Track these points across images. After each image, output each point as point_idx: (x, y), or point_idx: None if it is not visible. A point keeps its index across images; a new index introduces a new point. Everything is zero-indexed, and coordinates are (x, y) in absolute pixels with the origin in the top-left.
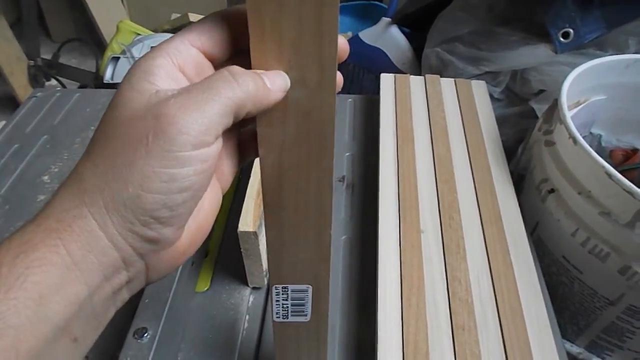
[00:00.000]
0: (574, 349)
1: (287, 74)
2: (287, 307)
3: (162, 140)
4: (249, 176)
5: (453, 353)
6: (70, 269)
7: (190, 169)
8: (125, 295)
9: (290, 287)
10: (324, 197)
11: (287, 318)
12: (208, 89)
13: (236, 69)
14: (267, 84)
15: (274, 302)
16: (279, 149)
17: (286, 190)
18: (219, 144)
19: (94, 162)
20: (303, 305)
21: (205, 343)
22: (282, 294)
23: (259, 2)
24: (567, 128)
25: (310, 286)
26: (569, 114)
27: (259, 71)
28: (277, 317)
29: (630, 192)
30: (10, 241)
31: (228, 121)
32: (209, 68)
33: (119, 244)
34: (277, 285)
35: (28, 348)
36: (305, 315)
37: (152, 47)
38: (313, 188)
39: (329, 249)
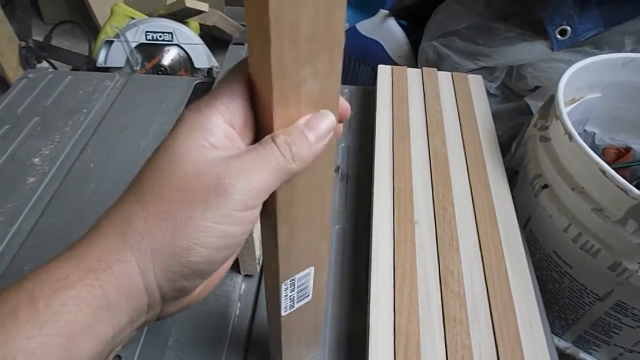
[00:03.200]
0: (562, 344)
1: (305, 69)
2: (294, 297)
3: (221, 199)
4: None
5: (444, 344)
6: (103, 309)
7: (239, 228)
8: (132, 334)
9: (297, 276)
10: (327, 179)
11: (293, 307)
12: (265, 157)
13: (291, 138)
14: (313, 140)
15: (282, 298)
16: None
17: (298, 184)
18: (259, 209)
19: (146, 209)
20: (306, 288)
21: (196, 329)
22: (290, 287)
23: (280, 4)
24: (563, 124)
25: (312, 267)
26: (565, 112)
27: (305, 121)
28: (284, 311)
29: (623, 189)
30: (48, 273)
31: (277, 187)
32: (253, 119)
33: (152, 291)
34: (286, 281)
35: None
36: (308, 296)
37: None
38: (319, 173)
39: (329, 228)
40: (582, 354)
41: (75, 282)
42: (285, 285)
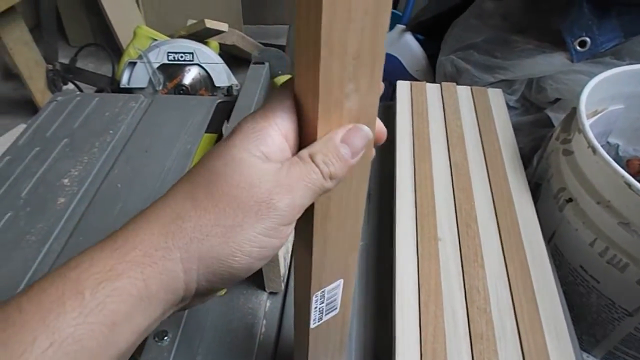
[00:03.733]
0: None
1: (349, 85)
2: (322, 309)
3: (271, 213)
4: None
5: None
6: (143, 300)
7: (279, 241)
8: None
9: (327, 289)
10: (362, 192)
11: (322, 320)
12: (306, 176)
13: (329, 157)
14: (348, 155)
15: (312, 310)
16: None
17: (334, 199)
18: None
19: (199, 213)
20: (335, 300)
21: (223, 347)
22: (320, 299)
23: (331, 15)
24: (586, 137)
25: (342, 279)
26: (587, 125)
27: (342, 137)
28: (313, 324)
29: None
30: (91, 264)
31: (312, 202)
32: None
33: (190, 287)
34: (317, 293)
35: None
36: (336, 309)
37: (256, 110)
38: (354, 186)
39: (359, 238)
40: None
41: (120, 275)
42: (316, 297)
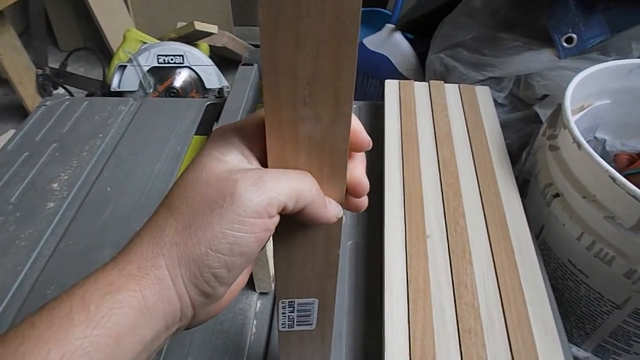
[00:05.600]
0: (581, 353)
1: (300, 110)
2: (293, 318)
3: (235, 204)
4: None
5: (460, 357)
6: (144, 313)
7: (253, 236)
8: (167, 340)
9: (297, 301)
10: (334, 223)
11: (293, 327)
12: (285, 173)
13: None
14: (326, 202)
15: (280, 315)
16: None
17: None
18: (276, 219)
19: (175, 218)
20: (309, 316)
21: (213, 348)
22: (289, 308)
23: (274, 37)
24: (572, 133)
25: (316, 299)
26: (573, 119)
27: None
28: (282, 327)
29: (634, 196)
30: (95, 281)
31: (288, 204)
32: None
33: (182, 295)
34: (283, 300)
35: None
36: (311, 324)
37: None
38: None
39: (337, 268)
40: None
41: (120, 288)
42: (283, 303)
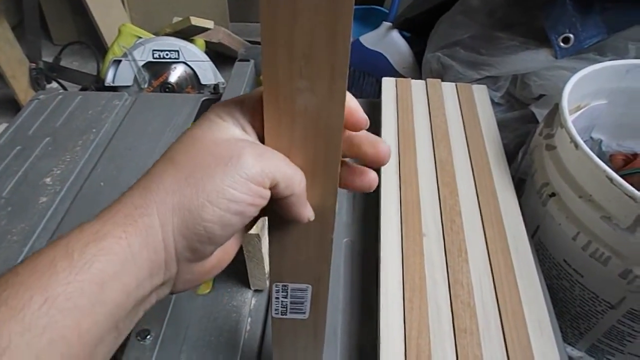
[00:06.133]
0: (575, 353)
1: (297, 81)
2: (287, 304)
3: (239, 165)
4: None
5: (455, 356)
6: (128, 260)
7: (249, 197)
8: (153, 300)
9: (290, 285)
10: (327, 203)
11: (286, 315)
12: (284, 158)
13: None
14: (306, 202)
15: (273, 299)
16: (286, 153)
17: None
18: (268, 193)
19: (176, 167)
20: (302, 303)
21: (207, 345)
22: (282, 292)
23: (273, 8)
24: (569, 132)
25: (310, 286)
26: (570, 119)
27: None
28: (275, 313)
29: (631, 197)
30: (81, 230)
31: (280, 183)
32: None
33: (168, 245)
34: (277, 283)
35: (87, 328)
36: (304, 312)
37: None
38: (317, 193)
39: (330, 252)
40: None
41: (105, 235)
42: (277, 287)
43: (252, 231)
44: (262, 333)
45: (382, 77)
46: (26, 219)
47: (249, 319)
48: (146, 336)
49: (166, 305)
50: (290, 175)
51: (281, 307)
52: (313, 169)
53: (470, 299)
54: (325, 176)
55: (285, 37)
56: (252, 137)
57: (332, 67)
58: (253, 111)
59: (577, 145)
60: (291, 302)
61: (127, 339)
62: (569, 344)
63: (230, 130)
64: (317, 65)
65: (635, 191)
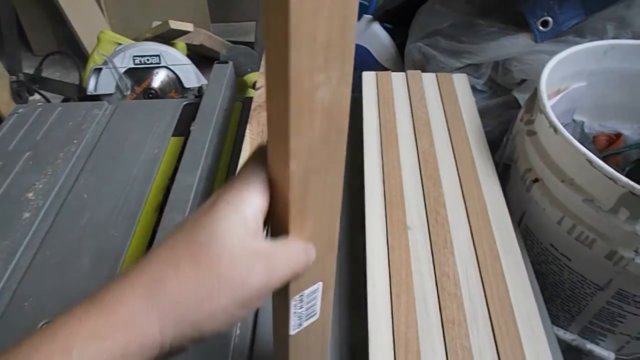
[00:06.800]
0: (567, 336)
1: (320, 75)
2: (302, 314)
3: (247, 287)
4: None
5: (444, 348)
6: (123, 357)
7: (250, 312)
8: None
9: (306, 292)
10: (338, 190)
11: (301, 326)
12: (290, 258)
13: (309, 250)
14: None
15: (292, 315)
16: (307, 154)
17: (310, 195)
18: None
19: (180, 279)
20: (315, 305)
21: (196, 351)
22: (299, 304)
23: (300, 8)
24: (547, 117)
25: (321, 282)
26: (548, 103)
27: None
28: (293, 330)
29: (611, 178)
30: (80, 325)
31: (285, 282)
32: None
33: (164, 346)
34: (295, 297)
35: None
36: (316, 314)
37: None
38: (330, 183)
39: (337, 239)
40: (589, 345)
41: (106, 337)
42: (295, 301)
43: None
44: (251, 336)
45: (365, 70)
46: (10, 235)
47: (239, 324)
48: None
49: None
50: (297, 271)
51: (297, 320)
52: (329, 160)
53: (457, 290)
54: (337, 164)
55: (310, 29)
56: (258, 226)
57: (344, 53)
58: (257, 197)
59: (556, 130)
60: (306, 309)
61: None
62: (561, 327)
63: (236, 233)
64: (334, 54)
65: (616, 173)
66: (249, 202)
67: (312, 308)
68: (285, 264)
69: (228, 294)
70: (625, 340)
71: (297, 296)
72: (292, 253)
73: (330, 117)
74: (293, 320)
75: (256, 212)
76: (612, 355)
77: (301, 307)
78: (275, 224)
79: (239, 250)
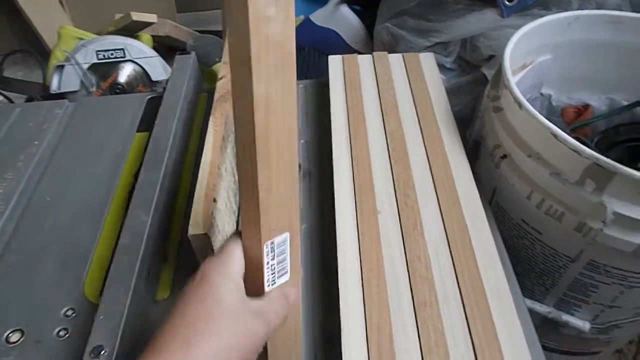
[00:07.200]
0: (543, 309)
1: (268, 9)
2: (274, 267)
3: (250, 346)
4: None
5: (416, 331)
6: None
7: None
8: None
9: (276, 240)
10: (293, 125)
11: (275, 283)
12: (275, 312)
13: (288, 293)
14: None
15: (266, 267)
16: (265, 83)
17: (272, 129)
18: None
19: (201, 346)
20: (285, 259)
21: None
22: (270, 253)
23: None
24: (512, 92)
25: (288, 233)
26: (512, 79)
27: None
28: (268, 286)
29: (576, 151)
30: None
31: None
32: None
33: None
34: (267, 243)
35: None
36: (287, 272)
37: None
38: (287, 119)
39: (297, 185)
40: (565, 316)
41: None
42: (267, 248)
43: (200, 230)
44: None
45: (336, 54)
46: None
47: None
48: (100, 352)
49: (119, 316)
50: (284, 315)
51: (271, 275)
52: (284, 94)
53: (427, 272)
54: (290, 99)
55: None
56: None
57: None
58: (239, 266)
59: (520, 105)
60: (277, 263)
61: (77, 359)
62: (537, 300)
63: (234, 296)
64: None
65: (580, 145)
66: (236, 269)
67: (283, 263)
68: (275, 313)
69: (243, 347)
70: (600, 310)
71: (269, 242)
72: (277, 303)
73: (281, 50)
74: (267, 274)
75: (241, 275)
76: (588, 325)
77: (273, 258)
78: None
79: (242, 309)
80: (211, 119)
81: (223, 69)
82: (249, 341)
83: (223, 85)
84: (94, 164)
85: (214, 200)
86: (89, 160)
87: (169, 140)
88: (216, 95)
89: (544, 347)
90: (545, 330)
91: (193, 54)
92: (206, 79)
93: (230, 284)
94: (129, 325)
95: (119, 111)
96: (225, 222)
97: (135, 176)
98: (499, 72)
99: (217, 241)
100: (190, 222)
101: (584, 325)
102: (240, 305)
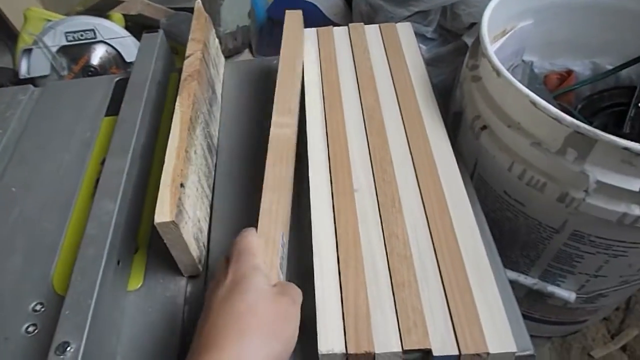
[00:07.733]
0: (529, 281)
1: None
2: (283, 256)
3: (280, 340)
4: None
5: (395, 311)
6: None
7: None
8: None
9: (284, 234)
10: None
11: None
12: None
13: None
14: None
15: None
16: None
17: None
18: None
19: (253, 341)
20: (284, 258)
21: (144, 342)
22: (281, 245)
23: None
24: (489, 60)
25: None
26: (490, 46)
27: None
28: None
29: (556, 119)
30: None
31: None
32: None
33: None
34: (282, 233)
35: None
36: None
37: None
38: None
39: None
40: (550, 287)
41: None
42: (282, 240)
43: (167, 218)
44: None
45: (315, 27)
46: None
47: (186, 307)
48: (66, 349)
49: (85, 310)
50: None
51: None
52: None
53: (406, 250)
54: None
55: None
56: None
57: None
58: (262, 257)
59: (499, 73)
60: (282, 260)
61: (45, 356)
62: (522, 272)
63: (267, 289)
64: None
65: (560, 112)
66: (262, 260)
67: (283, 261)
68: (295, 290)
69: (288, 326)
70: (585, 280)
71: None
72: (289, 284)
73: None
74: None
75: (265, 265)
76: (573, 295)
77: (282, 252)
78: None
79: (276, 295)
80: (178, 99)
81: (190, 46)
82: (287, 326)
83: (190, 64)
84: (60, 151)
85: (182, 186)
86: (55, 147)
87: (136, 124)
88: (183, 75)
89: (531, 318)
90: (531, 301)
91: (161, 32)
92: (180, 58)
93: (261, 274)
94: (97, 318)
95: (86, 95)
96: (196, 208)
97: (103, 163)
98: (478, 40)
99: (187, 228)
100: (156, 210)
101: (570, 295)
102: (273, 293)
